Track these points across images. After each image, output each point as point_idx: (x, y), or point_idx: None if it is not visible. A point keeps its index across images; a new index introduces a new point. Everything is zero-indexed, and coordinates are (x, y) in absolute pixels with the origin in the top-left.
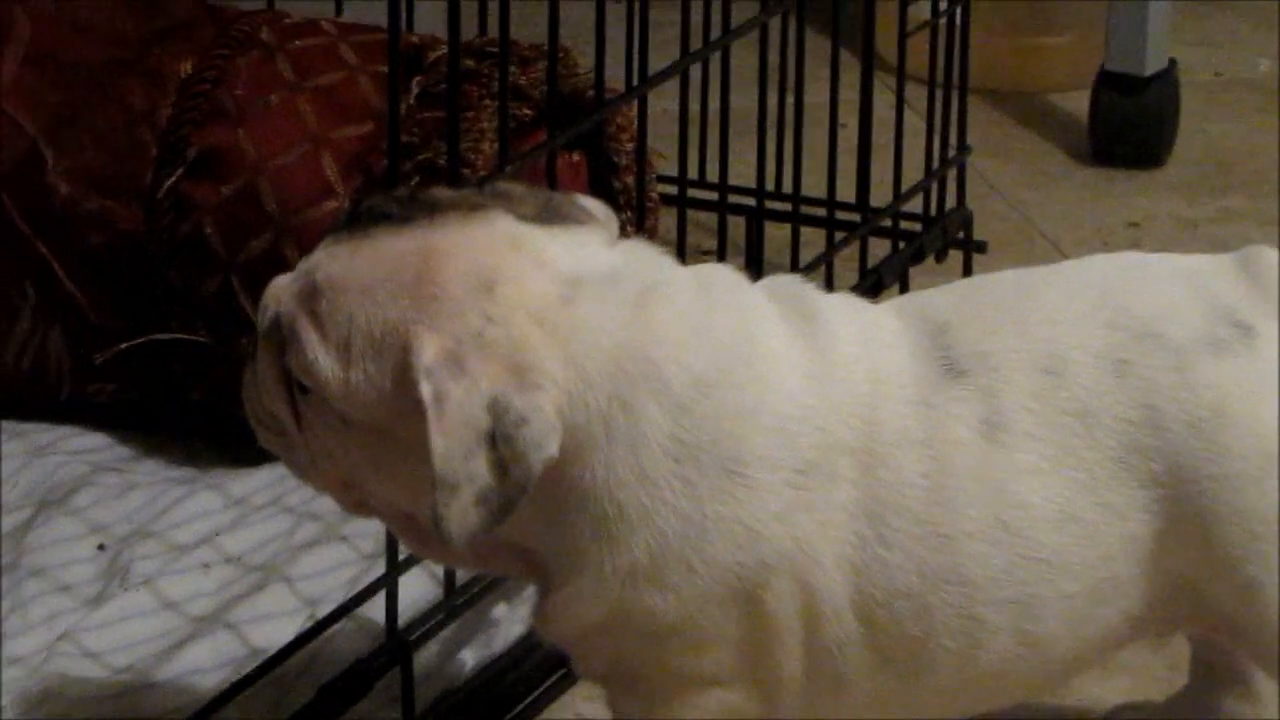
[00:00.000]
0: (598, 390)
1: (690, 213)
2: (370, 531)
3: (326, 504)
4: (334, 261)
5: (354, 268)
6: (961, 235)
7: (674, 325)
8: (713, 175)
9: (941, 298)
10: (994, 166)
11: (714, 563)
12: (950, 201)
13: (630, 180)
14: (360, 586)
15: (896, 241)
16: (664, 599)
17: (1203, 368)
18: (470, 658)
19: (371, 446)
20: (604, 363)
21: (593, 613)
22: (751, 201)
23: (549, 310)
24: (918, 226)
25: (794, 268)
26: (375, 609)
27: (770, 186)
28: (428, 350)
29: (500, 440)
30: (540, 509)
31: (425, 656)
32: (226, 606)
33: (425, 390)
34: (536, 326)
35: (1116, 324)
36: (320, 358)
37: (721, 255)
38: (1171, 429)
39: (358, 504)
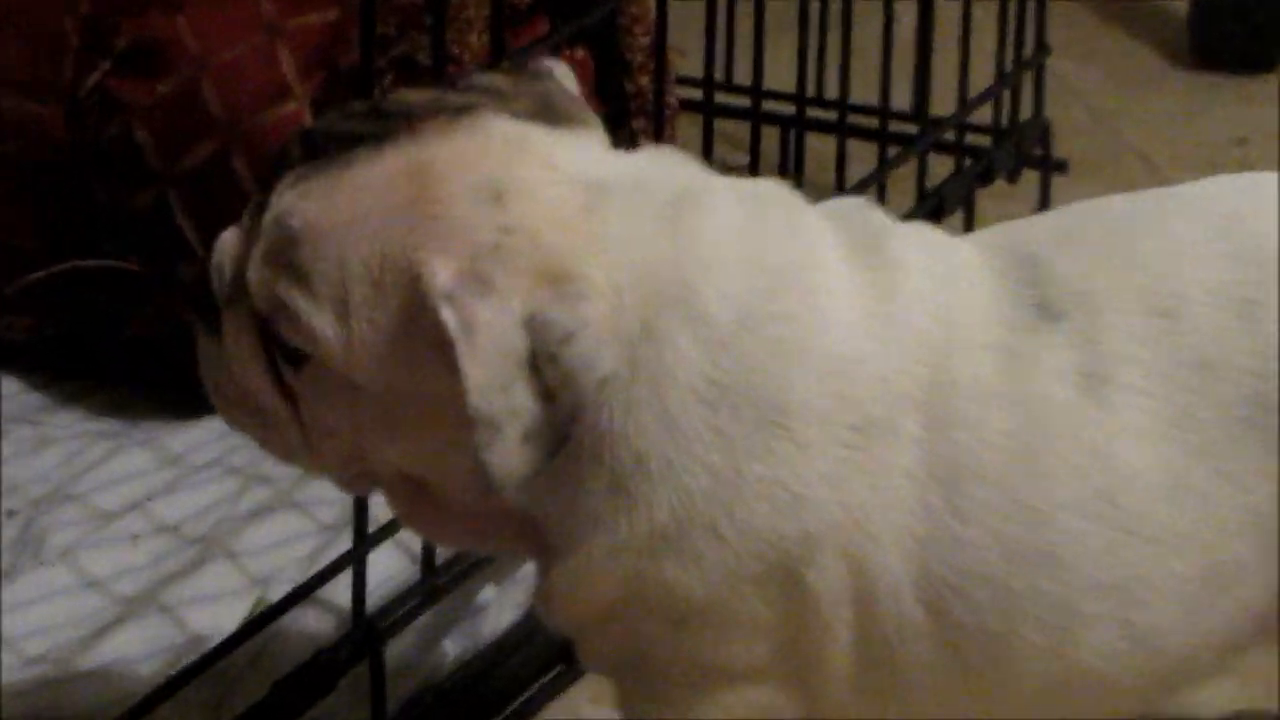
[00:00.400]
0: (627, 315)
1: (717, 122)
2: (332, 498)
3: (277, 465)
4: (307, 201)
5: (334, 204)
6: (1038, 152)
7: (716, 244)
8: (744, 77)
9: (1030, 227)
10: (1077, 71)
11: (748, 531)
12: (1025, 112)
13: (645, 82)
14: (321, 563)
15: (961, 159)
16: (687, 572)
17: None
18: (453, 648)
19: (387, 409)
20: (634, 283)
21: (605, 588)
22: (790, 109)
23: (572, 220)
24: (986, 141)
25: (839, 189)
26: (338, 590)
27: (811, 91)
28: (441, 273)
29: (543, 362)
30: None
31: (399, 647)
32: (160, 585)
33: (448, 317)
34: (562, 233)
35: (1242, 257)
36: (315, 319)
37: (754, 172)
38: None
39: (360, 478)
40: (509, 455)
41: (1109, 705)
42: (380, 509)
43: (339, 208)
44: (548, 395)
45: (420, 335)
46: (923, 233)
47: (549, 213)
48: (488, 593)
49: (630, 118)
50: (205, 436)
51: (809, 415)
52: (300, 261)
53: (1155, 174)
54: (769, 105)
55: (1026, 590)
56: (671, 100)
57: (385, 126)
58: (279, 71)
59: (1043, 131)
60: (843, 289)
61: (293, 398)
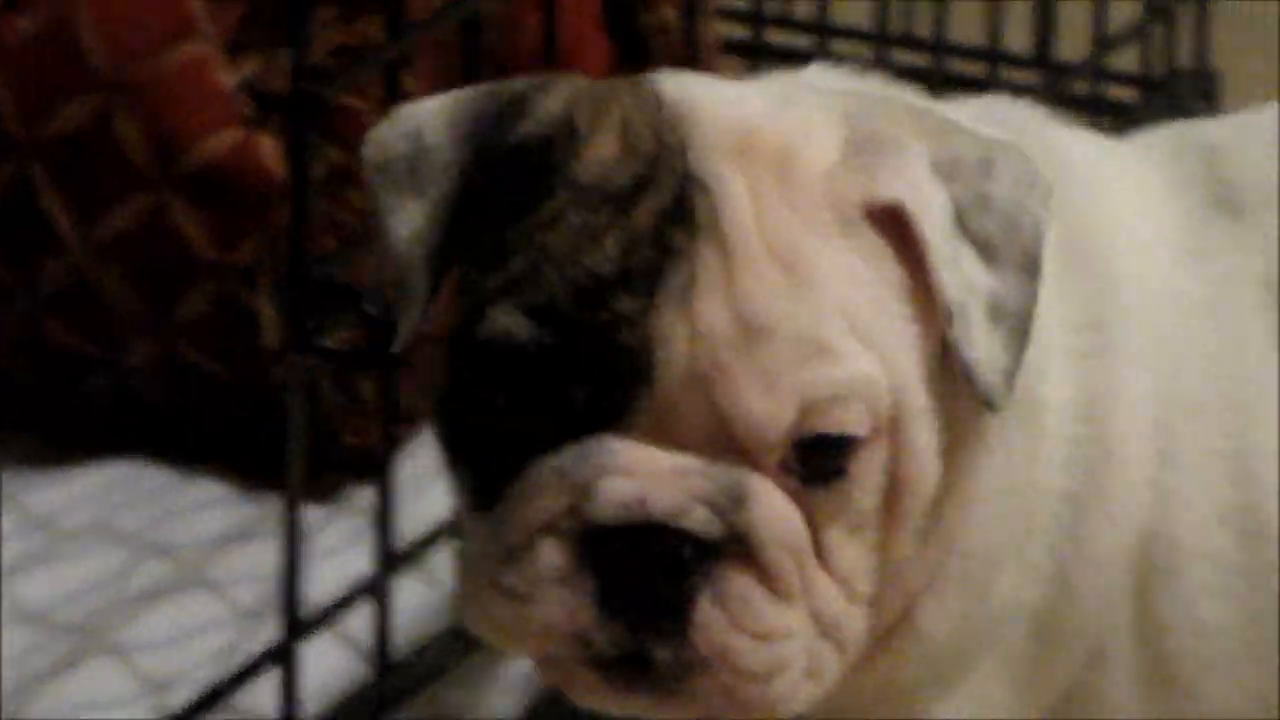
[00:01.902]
0: None
1: (769, 65)
2: (251, 572)
3: (180, 531)
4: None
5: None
6: (1201, 105)
7: None
8: (804, 13)
9: (1207, 124)
10: (1250, 9)
11: None
12: (1184, 58)
13: (672, 14)
14: (237, 661)
15: (1098, 114)
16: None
17: None
18: None
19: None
20: None
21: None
22: (863, 50)
23: None
24: (1132, 94)
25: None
26: (261, 698)
27: (896, 28)
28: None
29: (968, 207)
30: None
31: None
32: (22, 690)
33: (910, 210)
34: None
35: None
36: (858, 365)
37: None
38: None
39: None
40: (990, 345)
41: None
42: (314, 589)
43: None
44: (986, 245)
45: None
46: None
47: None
48: (456, 698)
49: (650, 59)
50: (84, 491)
51: None
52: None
53: None
54: (837, 45)
55: (1256, 572)
56: (708, 37)
57: None
58: (179, 3)
59: (1206, 82)
60: None
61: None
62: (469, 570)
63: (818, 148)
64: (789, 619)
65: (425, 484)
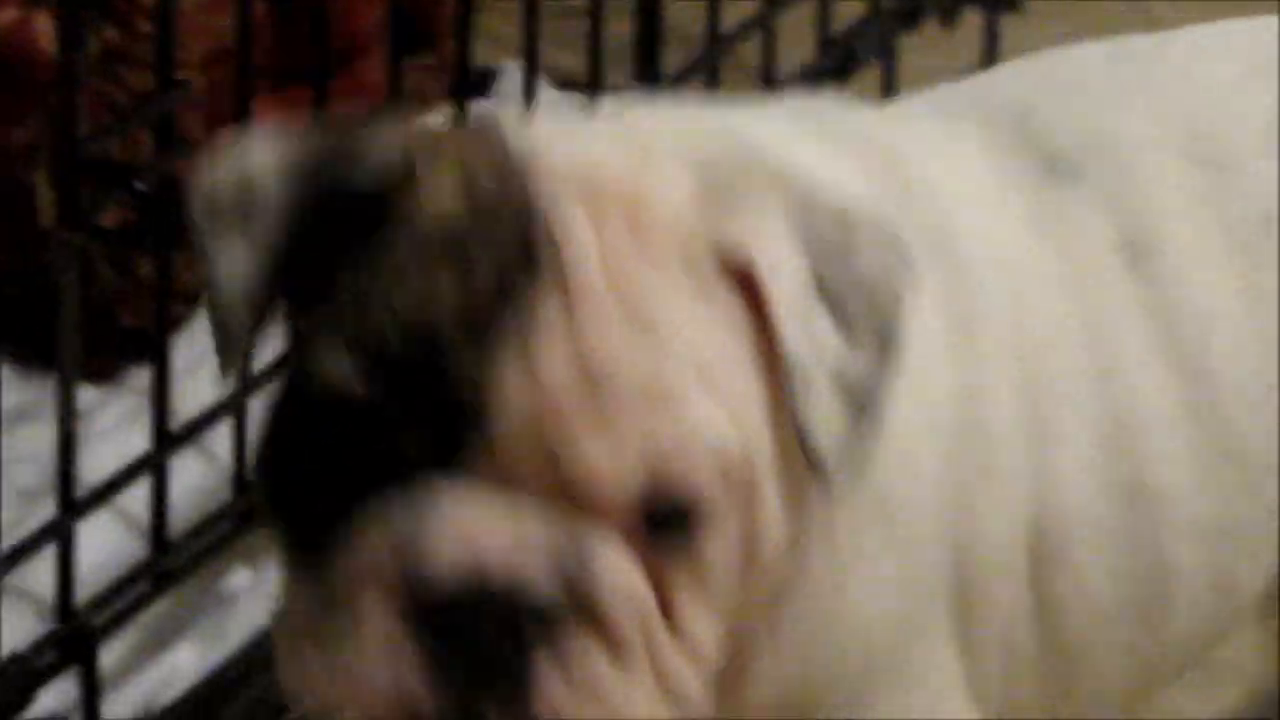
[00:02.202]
0: None
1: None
2: (31, 453)
3: None
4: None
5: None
6: None
7: None
8: None
9: (1009, 77)
10: None
11: None
12: None
13: None
14: (13, 539)
15: None
16: None
17: None
18: (191, 654)
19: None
20: None
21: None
22: None
23: None
24: None
25: (711, 38)
26: (37, 575)
27: None
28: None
29: (826, 271)
30: None
31: (119, 649)
32: None
33: (761, 265)
34: None
35: None
36: (712, 421)
37: (596, 34)
38: None
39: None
40: (829, 418)
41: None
42: (91, 469)
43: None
44: (842, 314)
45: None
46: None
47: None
48: (238, 578)
49: None
50: None
51: None
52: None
53: (1144, 15)
54: None
55: (1124, 530)
56: None
57: None
58: None
59: None
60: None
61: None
62: (287, 625)
63: (669, 194)
64: (631, 685)
65: (202, 364)
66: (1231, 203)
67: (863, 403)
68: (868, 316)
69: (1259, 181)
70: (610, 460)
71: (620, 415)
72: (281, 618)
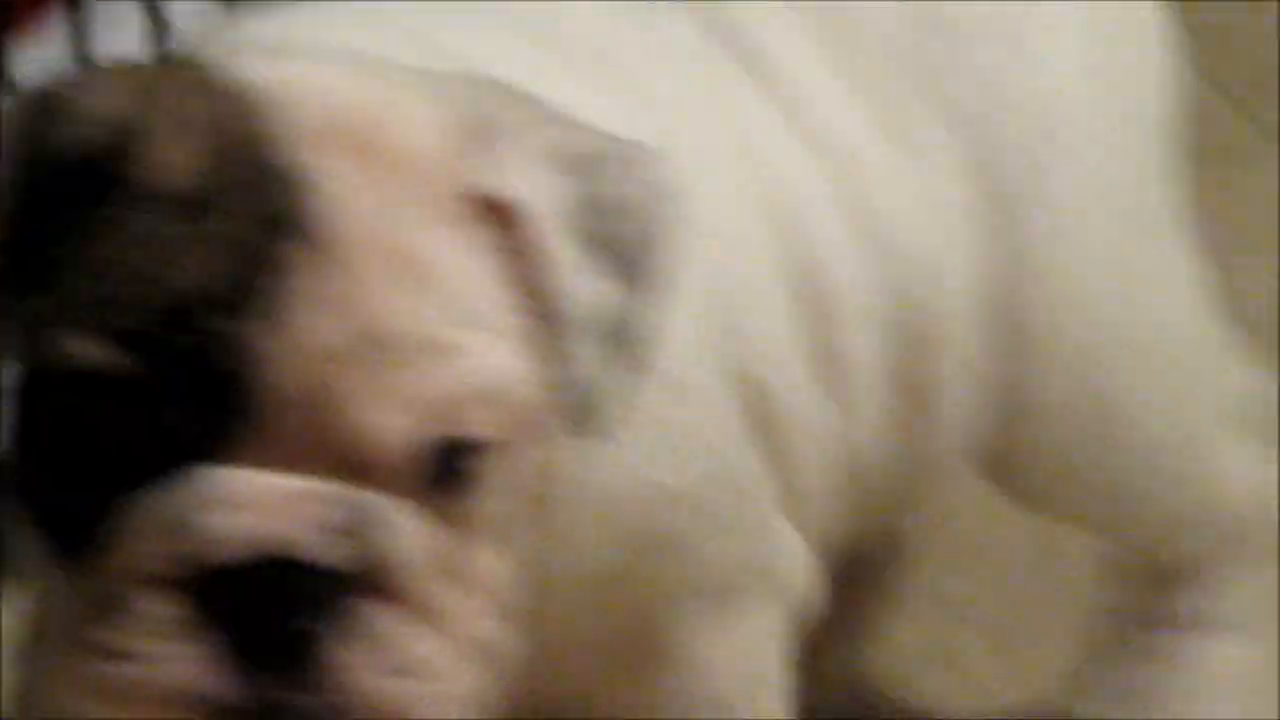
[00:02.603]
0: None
1: None
2: None
3: None
4: None
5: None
6: None
7: None
8: None
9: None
10: None
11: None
12: None
13: None
14: None
15: None
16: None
17: None
18: None
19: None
20: None
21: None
22: None
23: None
24: None
25: None
26: None
27: None
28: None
29: (587, 207)
30: None
31: None
32: None
33: (520, 207)
34: None
35: None
36: (493, 360)
37: None
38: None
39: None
40: (599, 365)
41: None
42: None
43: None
44: (612, 245)
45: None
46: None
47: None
48: None
49: None
50: None
51: None
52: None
53: None
54: None
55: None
56: None
57: None
58: None
59: None
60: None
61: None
62: (49, 633)
63: (423, 137)
64: (433, 648)
65: None
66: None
67: (629, 341)
68: (632, 255)
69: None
70: (385, 420)
71: (393, 372)
72: (42, 626)
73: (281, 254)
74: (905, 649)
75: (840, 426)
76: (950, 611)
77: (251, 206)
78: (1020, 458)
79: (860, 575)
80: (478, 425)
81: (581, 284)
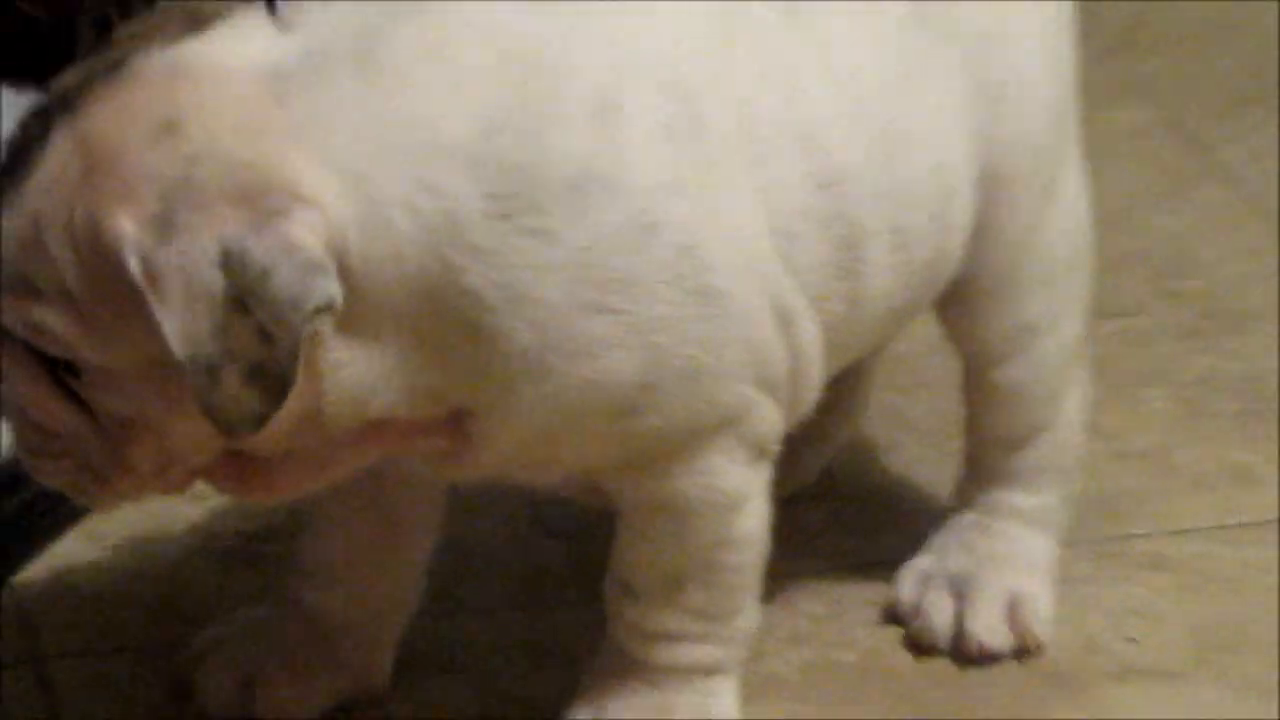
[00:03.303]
0: (359, 197)
1: None
2: None
3: None
4: (10, 220)
5: (31, 210)
6: None
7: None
8: None
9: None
10: None
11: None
12: None
13: None
14: None
15: None
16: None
17: None
18: None
19: (161, 383)
20: (354, 158)
21: (546, 424)
22: None
23: (261, 122)
24: None
25: None
26: None
27: None
28: (124, 223)
29: (250, 301)
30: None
31: None
32: None
33: (133, 267)
34: (254, 141)
35: None
36: (53, 321)
37: None
38: None
39: (185, 478)
40: (238, 401)
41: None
42: None
43: (37, 211)
44: (264, 333)
45: (129, 291)
46: None
47: (234, 124)
48: None
49: None
50: None
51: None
52: (27, 275)
53: None
54: None
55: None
56: None
57: (47, 120)
58: None
59: None
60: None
61: (90, 413)
62: None
63: (61, 174)
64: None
65: None
66: None
67: (267, 377)
68: (274, 312)
69: None
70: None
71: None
72: None
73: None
74: (858, 446)
75: (851, 297)
76: (896, 421)
77: None
78: (966, 288)
79: (831, 399)
80: (55, 351)
81: (181, 326)
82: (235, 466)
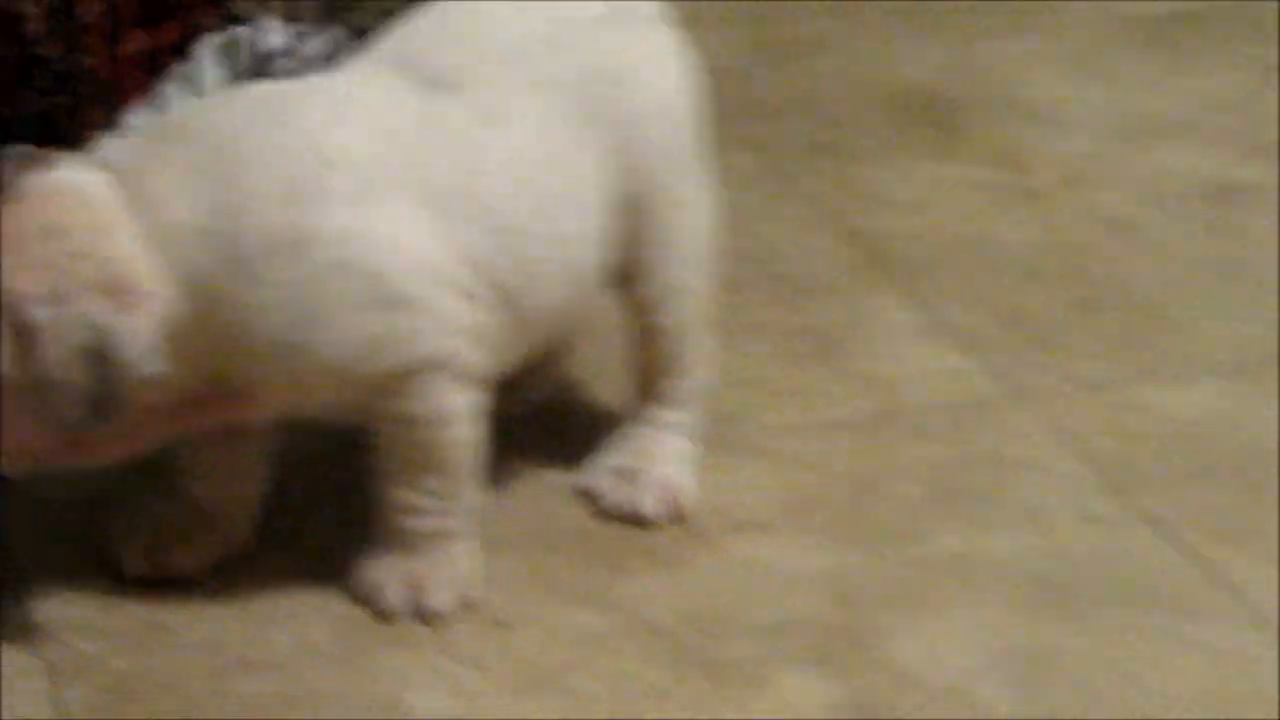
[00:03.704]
0: (190, 276)
1: None
2: None
3: None
4: None
5: None
6: None
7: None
8: None
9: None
10: None
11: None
12: None
13: None
14: None
15: None
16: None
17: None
18: None
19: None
20: (182, 254)
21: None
22: None
23: (117, 225)
24: None
25: None
26: None
27: None
28: (25, 285)
29: (107, 359)
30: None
31: None
32: None
33: (32, 316)
34: (116, 243)
35: (563, 43)
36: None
37: None
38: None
39: (44, 454)
40: (74, 415)
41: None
42: None
43: None
44: (108, 378)
45: (24, 331)
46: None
47: (104, 232)
48: None
49: None
50: None
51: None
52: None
53: None
54: None
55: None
56: None
57: None
58: None
59: None
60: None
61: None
62: None
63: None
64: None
65: None
66: (549, 100)
67: (106, 407)
68: (119, 374)
69: (570, 87)
70: None
71: None
72: None
73: None
74: (563, 380)
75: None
76: (587, 362)
77: None
78: (630, 266)
79: (546, 351)
80: None
81: (54, 362)
82: (71, 445)
